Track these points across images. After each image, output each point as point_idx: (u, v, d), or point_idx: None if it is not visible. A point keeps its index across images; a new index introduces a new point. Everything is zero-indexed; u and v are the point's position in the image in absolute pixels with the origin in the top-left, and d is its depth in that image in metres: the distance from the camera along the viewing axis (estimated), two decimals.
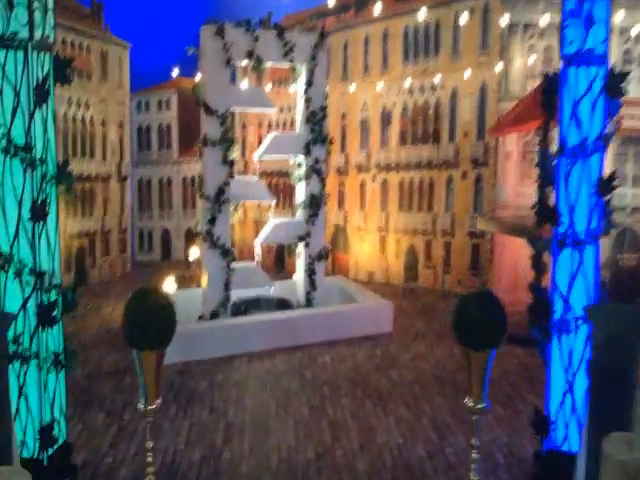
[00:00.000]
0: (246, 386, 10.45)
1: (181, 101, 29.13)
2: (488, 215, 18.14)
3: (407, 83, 18.10)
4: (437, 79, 18.83)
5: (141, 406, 5.39)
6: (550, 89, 7.38)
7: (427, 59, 20.37)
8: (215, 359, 11.84)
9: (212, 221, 12.94)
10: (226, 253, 13.22)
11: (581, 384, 7.00)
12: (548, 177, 7.23)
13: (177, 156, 29.18)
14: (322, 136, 13.76)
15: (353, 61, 22.86)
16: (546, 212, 7.13)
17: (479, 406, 6.28)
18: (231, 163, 12.73)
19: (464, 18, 13.48)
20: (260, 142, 23.80)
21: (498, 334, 5.90)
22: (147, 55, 28.58)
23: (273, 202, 14.16)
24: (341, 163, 23.10)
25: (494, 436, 8.33)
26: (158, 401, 5.53)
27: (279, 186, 25.26)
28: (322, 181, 13.96)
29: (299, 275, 15.14)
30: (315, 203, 13.91)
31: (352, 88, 18.95)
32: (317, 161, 13.91)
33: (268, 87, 23.00)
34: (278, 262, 24.99)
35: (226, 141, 12.45)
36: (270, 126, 25.82)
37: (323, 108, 13.63)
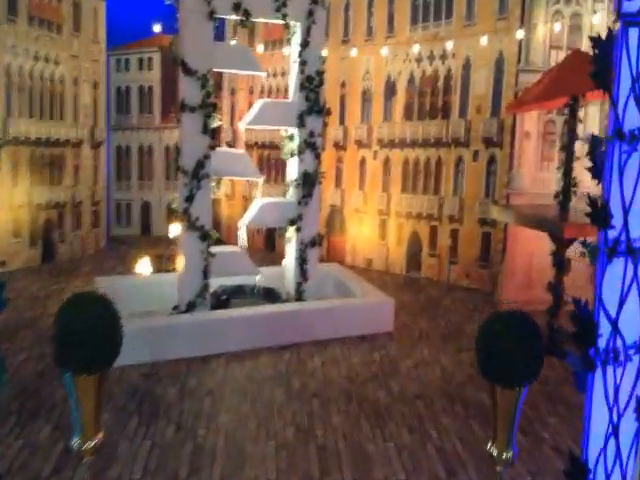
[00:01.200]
0: (222, 396, 9.41)
1: (164, 61, 27.77)
2: (502, 202, 17.04)
3: (415, 49, 16.98)
4: (448, 46, 18.77)
5: (75, 444, 4.49)
6: (604, 55, 6.16)
7: (438, 23, 19.76)
8: (188, 359, 10.85)
9: (190, 199, 11.78)
10: (205, 236, 12.10)
11: (628, 427, 5.92)
12: (597, 168, 6.05)
13: (159, 122, 28.06)
14: (318, 105, 12.54)
15: (355, 23, 21.87)
16: (594, 211, 5.96)
17: (505, 456, 5.30)
18: (212, 132, 11.50)
19: None
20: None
21: (535, 370, 4.94)
22: (126, 7, 27.01)
23: (261, 180, 13.00)
24: (339, 137, 21.98)
25: (514, 475, 7.28)
26: (99, 436, 4.65)
27: (270, 160, 24.43)
28: (317, 157, 12.79)
29: (289, 262, 14.04)
30: (309, 182, 12.76)
31: (353, 53, 17.68)
32: (312, 134, 12.71)
33: (260, 49, 22.07)
34: (268, 242, 24.27)
35: (207, 107, 11.21)
36: (262, 93, 24.81)
37: (320, 73, 12.39)
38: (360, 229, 22.21)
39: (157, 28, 28.37)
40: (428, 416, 9.15)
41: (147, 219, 29.29)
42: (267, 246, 24.29)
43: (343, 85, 22.34)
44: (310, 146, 12.60)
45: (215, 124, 11.45)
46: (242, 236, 13.05)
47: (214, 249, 12.77)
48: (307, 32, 12.28)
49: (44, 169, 21.36)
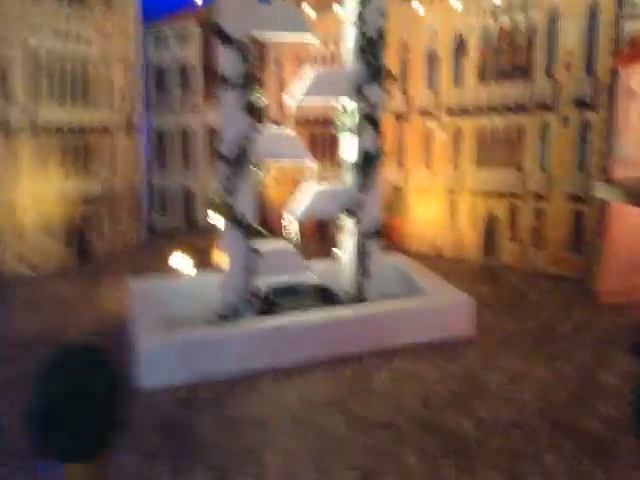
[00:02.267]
0: (268, 428, 8.23)
1: (207, 36, 26.75)
2: (602, 175, 15.29)
3: (489, 2, 15.52)
4: None
5: None
6: None
7: None
8: (230, 378, 9.74)
9: (231, 190, 10.61)
10: (250, 232, 10.98)
11: None
12: None
13: (202, 102, 27.01)
14: (380, 72, 11.11)
15: None
16: None
17: None
18: (257, 111, 10.23)
19: None
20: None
21: None
22: None
23: (313, 165, 11.76)
24: (401, 107, 20.93)
25: None
26: None
27: (325, 138, 22.99)
28: (379, 134, 11.41)
29: (347, 257, 12.78)
30: (369, 164, 11.43)
31: (417, 9, 16.16)
32: (373, 106, 11.30)
33: (309, 12, 20.75)
34: (319, 229, 23.14)
35: (249, 81, 9.95)
36: (313, 63, 23.31)
37: (381, 34, 10.98)
38: (426, 210, 21.13)
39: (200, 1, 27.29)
40: (528, 454, 7.73)
41: (191, 208, 28.57)
42: (319, 234, 23.18)
43: (404, 48, 21.08)
44: (370, 121, 11.21)
45: (260, 101, 10.19)
46: (294, 229, 11.87)
47: (260, 245, 11.62)
48: None
49: (77, 159, 20.54)
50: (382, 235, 12.38)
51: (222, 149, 10.55)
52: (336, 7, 17.15)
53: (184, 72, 27.87)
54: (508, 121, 18.91)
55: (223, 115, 10.39)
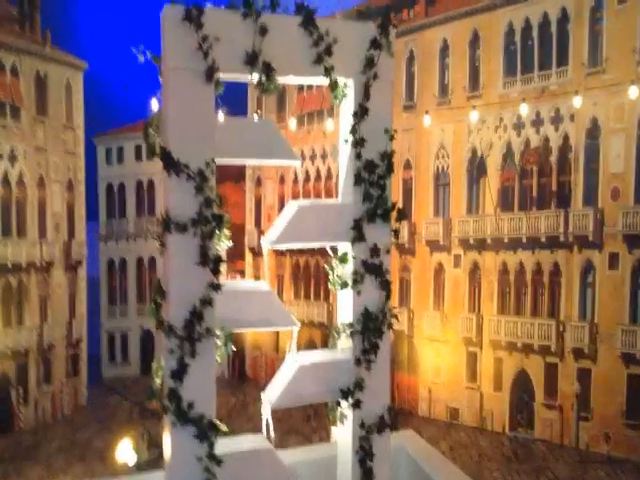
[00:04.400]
0: None
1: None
2: None
3: (522, 110, 15.03)
4: (564, 104, 16.59)
5: None
6: None
7: (546, 73, 17.75)
8: None
9: (180, 373, 8.32)
10: (203, 430, 8.60)
11: None
12: None
13: None
14: (385, 206, 9.20)
15: (423, 79, 20.15)
16: None
17: None
18: (216, 262, 8.26)
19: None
20: (282, 208, 22.09)
21: None
22: (116, 81, 25.56)
23: (295, 329, 9.71)
24: (404, 236, 20.15)
25: None
26: None
27: (312, 269, 22.98)
28: (385, 287, 9.33)
29: (342, 456, 10.37)
30: (373, 327, 9.25)
31: (425, 121, 16.16)
32: (375, 251, 9.27)
33: (292, 125, 19.80)
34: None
35: (206, 222, 8.02)
36: (296, 182, 23.74)
37: (387, 156, 9.14)
38: (438, 365, 20.10)
39: (156, 106, 26.87)
40: None
41: (149, 353, 26.91)
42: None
43: (407, 166, 20.50)
44: (373, 270, 9.20)
45: (221, 247, 8.28)
46: (268, 421, 9.63)
47: (222, 445, 9.27)
48: (365, 93, 9.29)
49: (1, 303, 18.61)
50: (391, 426, 10.08)
51: (167, 316, 8.43)
52: (326, 119, 17.05)
53: (141, 190, 26.94)
54: (539, 258, 17.93)
55: (168, 269, 8.36)
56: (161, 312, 7.83)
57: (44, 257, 20.15)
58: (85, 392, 22.55)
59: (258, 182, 25.26)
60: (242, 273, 24.56)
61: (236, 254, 25.02)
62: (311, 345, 23.89)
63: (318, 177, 22.93)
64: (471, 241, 19.09)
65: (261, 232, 23.99)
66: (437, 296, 20.09)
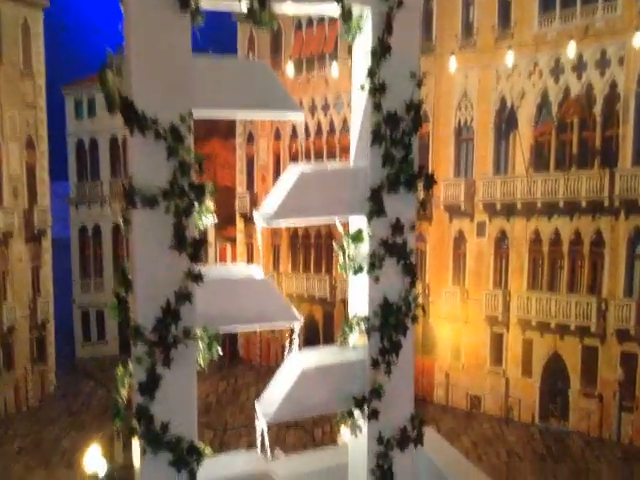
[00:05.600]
0: None
1: None
2: None
3: (548, 56, 15.23)
4: (612, 46, 16.22)
5: None
6: None
7: (590, 8, 17.17)
8: None
9: (149, 387, 7.32)
10: (187, 459, 7.73)
11: None
12: None
13: None
14: (410, 171, 8.20)
15: (443, 16, 19.67)
16: None
17: None
18: (196, 246, 7.19)
19: None
20: (278, 169, 24.13)
21: None
22: (87, 22, 25.11)
23: (297, 325, 8.91)
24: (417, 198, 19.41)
25: None
26: None
27: (312, 238, 22.84)
28: (410, 272, 8.44)
29: (354, 477, 9.69)
30: (393, 322, 8.36)
31: (450, 64, 15.89)
32: (398, 228, 8.30)
33: (290, 69, 19.53)
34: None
35: (183, 193, 6.95)
36: (295, 137, 23.34)
37: (414, 107, 8.16)
38: (458, 347, 20.15)
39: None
40: None
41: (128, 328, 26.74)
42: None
43: (423, 117, 19.67)
44: (395, 251, 8.25)
45: (203, 224, 7.25)
46: (264, 434, 8.83)
47: (207, 470, 8.43)
48: (386, 26, 8.30)
49: None
50: (416, 441, 9.32)
51: (133, 312, 7.43)
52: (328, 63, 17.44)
53: (115, 148, 26.47)
54: (578, 225, 17.70)
55: (133, 253, 7.37)
56: (126, 309, 7.05)
57: (0, 227, 20.03)
58: (54, 379, 22.42)
59: (250, 138, 25.10)
60: (233, 241, 24.66)
61: (226, 219, 24.74)
62: (311, 322, 25.11)
63: (319, 132, 22.74)
64: (498, 206, 18.92)
65: (254, 196, 24.43)
66: (457, 269, 20.09)
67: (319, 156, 22.75)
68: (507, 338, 19.01)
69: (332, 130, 22.43)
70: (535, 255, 18.51)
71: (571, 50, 14.51)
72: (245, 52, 22.84)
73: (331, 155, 21.99)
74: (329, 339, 20.71)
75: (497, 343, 19.19)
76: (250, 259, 26.11)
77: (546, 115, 18.09)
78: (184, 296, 6.87)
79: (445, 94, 19.66)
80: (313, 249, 23.00)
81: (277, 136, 23.99)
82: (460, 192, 19.42)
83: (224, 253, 27.16)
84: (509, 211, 18.72)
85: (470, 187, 19.39)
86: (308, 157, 23.04)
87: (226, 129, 26.09)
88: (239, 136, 25.14)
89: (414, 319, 8.01)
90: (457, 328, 19.76)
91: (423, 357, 19.94)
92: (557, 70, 17.62)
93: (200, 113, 6.93)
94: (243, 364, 23.94)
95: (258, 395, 8.12)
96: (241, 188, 24.90)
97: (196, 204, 6.36)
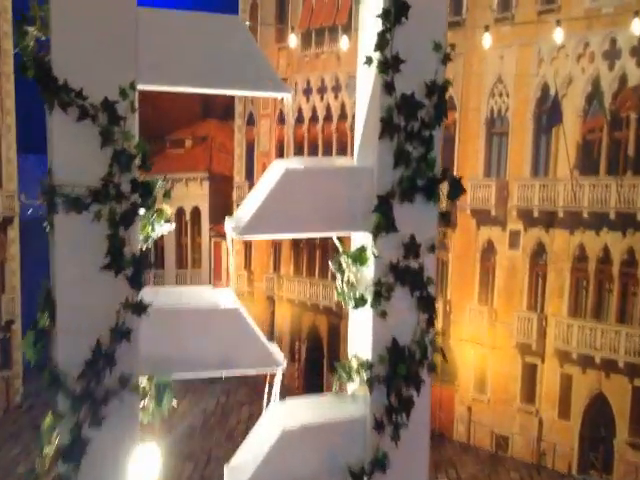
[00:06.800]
0: None
1: None
2: None
3: (601, 36, 15.87)
4: None
5: None
6: None
7: None
8: None
9: (73, 454, 6.64)
10: None
11: None
12: None
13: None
14: (431, 171, 7.32)
15: None
16: None
17: None
18: (136, 266, 6.35)
19: None
20: (281, 151, 24.41)
21: None
22: None
23: (280, 370, 8.20)
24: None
25: None
26: None
27: (317, 238, 22.31)
28: (428, 307, 7.59)
29: None
30: (406, 372, 7.57)
31: (484, 41, 15.58)
32: (412, 247, 7.43)
33: (292, 41, 19.68)
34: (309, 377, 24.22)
35: (120, 195, 6.14)
36: (300, 122, 23.55)
37: (437, 89, 7.30)
38: (483, 377, 19.99)
39: None
40: None
41: None
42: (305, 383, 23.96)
43: (450, 105, 19.75)
44: (408, 279, 7.38)
45: (152, 236, 6.43)
46: None
47: None
48: None
49: None
50: None
51: (54, 351, 6.70)
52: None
53: None
54: (632, 242, 17.26)
55: (55, 273, 6.63)
56: (48, 347, 6.30)
57: None
58: (20, 388, 22.78)
59: (250, 120, 25.32)
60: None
61: (222, 213, 24.74)
62: (315, 335, 25.24)
63: (328, 117, 22.81)
64: (535, 213, 18.69)
65: (254, 186, 24.22)
66: (484, 285, 19.96)
67: (328, 145, 22.77)
68: (542, 371, 18.87)
69: (343, 115, 22.54)
70: (579, 275, 18.27)
71: (636, 25, 13.88)
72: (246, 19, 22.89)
73: (341, 145, 21.91)
74: (335, 356, 20.78)
75: (529, 376, 19.03)
76: (248, 259, 26.46)
77: (597, 107, 17.66)
78: (122, 333, 6.08)
79: (476, 77, 19.40)
80: (319, 250, 23.20)
81: (281, 120, 24.23)
82: (490, 195, 19.21)
83: (219, 251, 27.45)
84: (549, 220, 18.44)
85: (502, 189, 19.19)
86: (315, 146, 23.06)
87: (223, 109, 26.32)
88: (239, 117, 25.37)
89: (431, 368, 6.89)
90: (482, 354, 19.67)
91: (442, 386, 19.63)
92: (612, 53, 17.21)
93: (147, 86, 5.91)
94: (237, 378, 23.97)
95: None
96: (239, 177, 25.27)
97: (141, 208, 5.47)
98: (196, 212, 28.61)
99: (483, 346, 19.59)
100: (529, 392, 19.05)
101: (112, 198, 5.48)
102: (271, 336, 27.84)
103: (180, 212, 28.23)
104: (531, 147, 18.89)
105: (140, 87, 5.14)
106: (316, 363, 24.14)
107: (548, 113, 18.50)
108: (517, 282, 19.15)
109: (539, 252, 18.92)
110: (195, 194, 28.41)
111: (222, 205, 24.93)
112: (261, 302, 25.92)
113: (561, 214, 18.20)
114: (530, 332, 18.64)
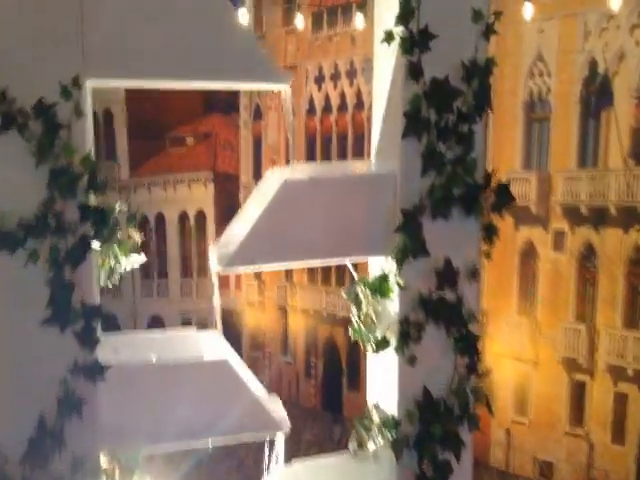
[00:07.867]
0: None
1: None
2: None
3: None
4: None
5: None
6: None
7: None
8: None
9: None
10: None
11: None
12: None
13: (128, 176, 29.18)
14: (471, 177, 6.38)
15: None
16: None
17: None
18: (88, 317, 5.68)
19: None
20: (287, 147, 25.06)
21: None
22: None
23: (280, 437, 7.56)
24: None
25: None
26: None
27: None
28: (469, 349, 6.68)
29: None
30: (441, 432, 6.70)
31: (525, 12, 15.13)
32: (449, 275, 6.48)
33: (300, 21, 19.42)
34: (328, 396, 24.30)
35: (64, 227, 5.34)
36: (313, 113, 23.46)
37: (479, 71, 6.33)
38: (523, 397, 19.92)
39: None
40: None
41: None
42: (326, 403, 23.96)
43: None
44: (443, 315, 6.50)
45: (111, 278, 5.67)
46: None
47: None
48: None
49: None
50: None
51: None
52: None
53: (96, 126, 27.79)
54: None
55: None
56: None
57: None
58: None
59: (257, 113, 25.30)
60: None
61: (228, 215, 24.29)
62: (332, 349, 25.50)
63: (342, 107, 22.65)
64: (583, 210, 18.53)
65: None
66: (524, 293, 19.89)
67: (343, 138, 22.67)
68: (592, 390, 18.69)
69: (360, 104, 22.40)
70: (634, 280, 17.97)
71: None
72: None
73: (359, 140, 21.67)
74: (354, 372, 20.78)
75: (578, 395, 18.90)
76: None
77: None
78: (71, 405, 5.16)
79: (512, 55, 19.01)
80: None
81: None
82: (530, 190, 18.97)
83: None
84: (599, 218, 18.21)
85: (544, 183, 18.97)
86: (329, 139, 22.94)
87: (226, 102, 26.73)
88: (244, 110, 25.45)
89: (473, 425, 5.84)
90: (523, 371, 19.59)
91: (484, 411, 19.23)
92: None
93: (99, 81, 4.93)
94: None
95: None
96: (246, 177, 25.18)
97: (94, 242, 4.49)
98: (201, 216, 28.76)
99: (523, 362, 19.44)
100: (577, 413, 18.96)
101: (52, 231, 4.73)
102: (284, 350, 28.17)
103: (183, 217, 28.56)
104: (577, 134, 18.69)
105: (90, 84, 4.30)
106: (334, 380, 24.15)
107: (597, 94, 18.22)
108: (562, 289, 18.99)
109: (588, 255, 18.78)
110: (199, 197, 28.67)
111: (228, 207, 24.76)
112: (273, 313, 26.06)
113: (613, 210, 18.00)
114: (578, 346, 18.48)
